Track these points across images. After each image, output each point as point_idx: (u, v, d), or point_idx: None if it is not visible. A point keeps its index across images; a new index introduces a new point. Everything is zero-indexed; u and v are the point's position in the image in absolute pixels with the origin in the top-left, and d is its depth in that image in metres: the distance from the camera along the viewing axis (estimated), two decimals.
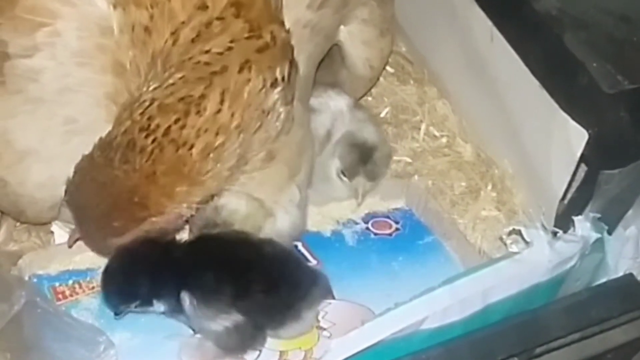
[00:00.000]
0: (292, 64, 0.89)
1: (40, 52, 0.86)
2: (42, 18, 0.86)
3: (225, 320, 0.87)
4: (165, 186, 0.84)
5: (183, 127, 0.83)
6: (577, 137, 0.94)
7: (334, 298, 0.97)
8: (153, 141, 0.83)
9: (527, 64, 1.02)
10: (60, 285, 0.97)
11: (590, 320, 0.89)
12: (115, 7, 0.86)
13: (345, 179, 1.06)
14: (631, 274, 0.95)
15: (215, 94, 0.83)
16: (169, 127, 0.83)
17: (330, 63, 1.09)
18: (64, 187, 0.89)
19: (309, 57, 0.98)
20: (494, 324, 0.88)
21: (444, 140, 1.20)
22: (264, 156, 0.91)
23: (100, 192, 0.86)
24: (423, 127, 1.21)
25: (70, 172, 0.88)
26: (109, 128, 0.86)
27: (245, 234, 0.91)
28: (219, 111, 0.84)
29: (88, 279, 0.97)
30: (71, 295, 0.96)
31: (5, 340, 0.86)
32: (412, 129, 1.21)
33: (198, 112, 0.83)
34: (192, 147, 0.83)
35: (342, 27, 1.05)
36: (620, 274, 0.97)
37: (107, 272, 0.89)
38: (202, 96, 0.83)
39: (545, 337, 0.87)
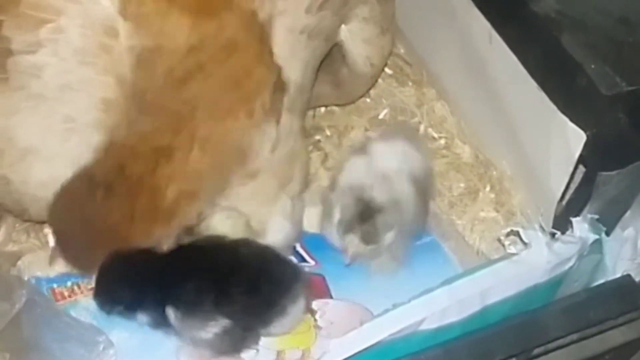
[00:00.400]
0: (276, 86, 0.90)
1: (43, 49, 0.86)
2: (46, 14, 0.86)
3: (213, 327, 0.87)
4: (144, 229, 0.87)
5: (155, 175, 0.85)
6: (575, 138, 0.94)
7: (331, 297, 0.97)
8: (129, 187, 0.86)
9: (525, 66, 1.02)
10: (58, 286, 0.96)
11: (588, 321, 0.89)
12: (125, 18, 0.86)
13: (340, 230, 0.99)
14: (629, 275, 0.95)
15: (185, 140, 0.85)
16: (142, 175, 0.85)
17: (330, 62, 1.09)
18: None
19: (306, 65, 0.97)
20: (492, 325, 0.88)
21: (443, 141, 1.20)
22: (244, 176, 0.91)
23: (82, 225, 0.89)
24: (422, 128, 1.21)
25: (69, 172, 0.88)
26: (102, 135, 0.87)
27: (219, 238, 0.92)
28: (189, 157, 0.86)
29: (86, 280, 0.97)
30: (70, 296, 0.95)
31: (4, 341, 0.86)
32: None
33: (169, 161, 0.85)
34: (165, 193, 0.85)
35: (342, 26, 1.05)
36: (618, 275, 0.97)
37: (99, 272, 0.90)
38: (172, 145, 0.85)
39: (544, 338, 0.87)
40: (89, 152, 0.88)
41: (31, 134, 0.90)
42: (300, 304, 0.91)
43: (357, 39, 1.07)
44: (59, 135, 0.89)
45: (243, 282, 0.88)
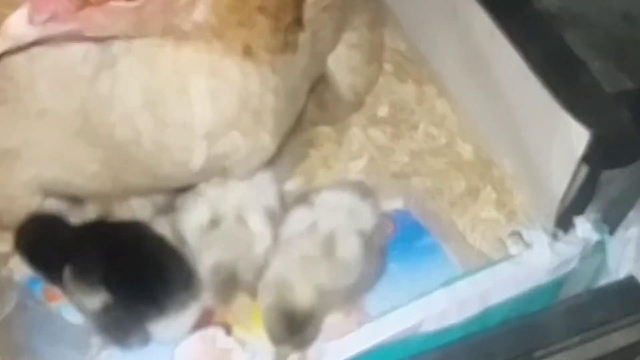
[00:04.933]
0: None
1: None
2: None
3: (96, 298, 0.88)
4: None
5: None
6: (578, 136, 0.93)
7: None
8: None
9: (528, 63, 1.01)
10: (51, 286, 0.95)
11: (590, 323, 0.89)
12: None
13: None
14: (632, 277, 0.94)
15: None
16: None
17: (316, 83, 1.05)
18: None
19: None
20: (493, 327, 0.87)
21: (443, 140, 1.19)
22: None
23: None
24: (422, 126, 1.20)
25: (55, 170, 0.87)
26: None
27: (133, 223, 0.95)
28: None
29: None
30: (62, 297, 0.95)
31: None
32: (411, 128, 1.20)
33: None
34: None
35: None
36: (622, 275, 0.96)
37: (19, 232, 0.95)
38: None
39: (545, 341, 0.87)
40: (75, 145, 0.87)
41: (11, 137, 0.88)
42: (187, 313, 0.90)
43: (342, 65, 1.06)
44: (37, 133, 0.88)
45: (137, 269, 0.90)
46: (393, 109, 1.22)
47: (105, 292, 0.89)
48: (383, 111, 1.21)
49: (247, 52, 0.82)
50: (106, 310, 0.88)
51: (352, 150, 1.17)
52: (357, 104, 1.16)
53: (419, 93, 1.24)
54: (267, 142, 0.90)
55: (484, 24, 1.08)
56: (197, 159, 0.86)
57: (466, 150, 1.17)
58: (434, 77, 1.24)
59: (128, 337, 0.89)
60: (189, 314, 0.90)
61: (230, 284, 0.92)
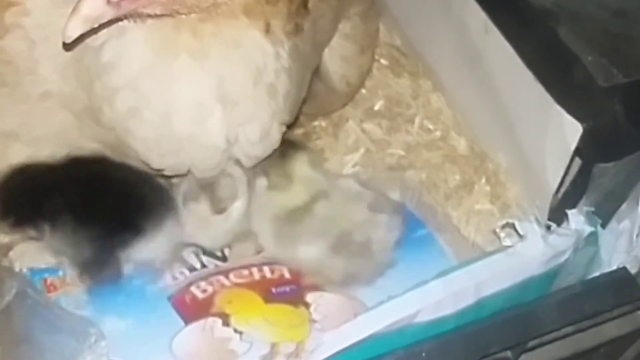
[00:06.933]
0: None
1: (10, 34, 0.84)
2: None
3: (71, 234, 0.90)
4: None
5: None
6: (571, 130, 0.94)
7: (326, 290, 0.97)
8: None
9: (521, 57, 1.01)
10: (50, 277, 0.96)
11: (583, 313, 0.89)
12: None
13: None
14: (625, 268, 0.94)
15: None
16: None
17: None
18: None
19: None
20: (487, 317, 0.87)
21: (438, 133, 1.19)
22: None
23: None
24: (417, 120, 1.21)
25: (55, 150, 0.87)
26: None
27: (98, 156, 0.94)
28: None
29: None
30: (61, 287, 0.95)
31: None
32: (406, 122, 1.21)
33: None
34: None
35: None
36: (614, 267, 0.96)
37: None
38: None
39: (539, 331, 0.87)
40: (77, 124, 0.87)
41: (9, 120, 0.88)
42: (166, 231, 0.92)
43: (335, 55, 1.05)
44: (39, 115, 0.87)
45: (107, 197, 0.91)
46: (389, 103, 1.22)
47: (79, 226, 0.90)
48: (379, 105, 1.22)
49: (267, 29, 0.83)
50: (80, 245, 0.90)
51: (348, 144, 1.17)
52: (350, 95, 1.15)
53: (414, 87, 1.24)
54: (277, 125, 0.90)
55: (478, 18, 1.08)
56: (214, 126, 0.85)
57: (461, 144, 1.18)
58: (429, 72, 1.25)
59: (102, 270, 0.91)
60: (165, 230, 0.92)
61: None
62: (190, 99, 0.84)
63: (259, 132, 0.88)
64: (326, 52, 1.04)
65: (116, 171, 0.93)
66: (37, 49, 0.85)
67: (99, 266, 0.91)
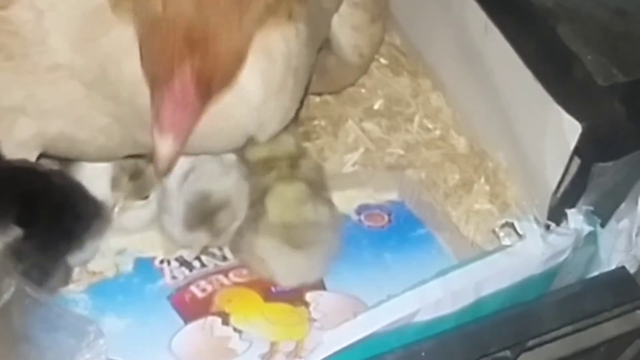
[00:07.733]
0: None
1: (14, 4, 0.81)
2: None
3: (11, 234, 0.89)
4: None
5: None
6: (570, 129, 0.94)
7: (325, 289, 0.97)
8: None
9: (521, 56, 1.01)
10: None
11: (583, 313, 0.89)
12: None
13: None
14: (624, 267, 0.94)
15: None
16: None
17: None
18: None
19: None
20: (486, 317, 0.87)
21: (438, 132, 1.19)
22: None
23: None
24: (417, 119, 1.20)
25: (65, 124, 0.87)
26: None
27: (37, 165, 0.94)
28: None
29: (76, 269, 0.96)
30: None
31: None
32: (406, 121, 1.20)
33: None
34: None
35: None
36: (613, 266, 0.96)
37: None
38: None
39: (538, 330, 0.87)
40: (87, 97, 0.85)
41: (15, 94, 0.85)
42: (98, 242, 0.94)
43: (345, 25, 1.02)
44: (47, 87, 0.85)
45: (49, 208, 0.91)
46: (388, 102, 1.22)
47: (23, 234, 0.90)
48: (378, 104, 1.22)
49: (290, 16, 0.83)
50: (24, 253, 0.90)
51: (347, 143, 1.17)
52: (363, 67, 1.12)
53: (414, 86, 1.24)
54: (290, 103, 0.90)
55: (478, 18, 1.08)
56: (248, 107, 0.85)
57: (460, 143, 1.18)
58: (429, 71, 1.25)
59: (48, 278, 0.91)
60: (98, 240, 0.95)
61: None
62: None
63: (282, 112, 0.88)
64: (336, 22, 1.01)
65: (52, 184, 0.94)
66: (45, 18, 0.82)
67: (44, 275, 0.91)
